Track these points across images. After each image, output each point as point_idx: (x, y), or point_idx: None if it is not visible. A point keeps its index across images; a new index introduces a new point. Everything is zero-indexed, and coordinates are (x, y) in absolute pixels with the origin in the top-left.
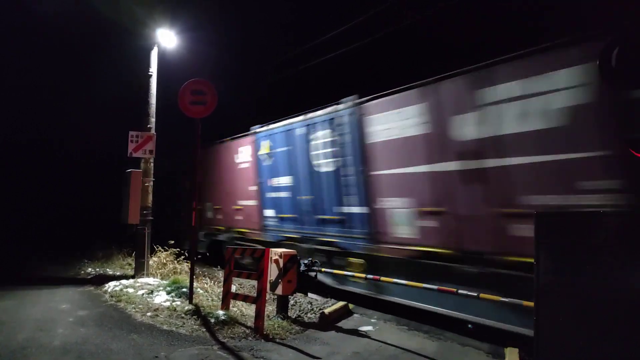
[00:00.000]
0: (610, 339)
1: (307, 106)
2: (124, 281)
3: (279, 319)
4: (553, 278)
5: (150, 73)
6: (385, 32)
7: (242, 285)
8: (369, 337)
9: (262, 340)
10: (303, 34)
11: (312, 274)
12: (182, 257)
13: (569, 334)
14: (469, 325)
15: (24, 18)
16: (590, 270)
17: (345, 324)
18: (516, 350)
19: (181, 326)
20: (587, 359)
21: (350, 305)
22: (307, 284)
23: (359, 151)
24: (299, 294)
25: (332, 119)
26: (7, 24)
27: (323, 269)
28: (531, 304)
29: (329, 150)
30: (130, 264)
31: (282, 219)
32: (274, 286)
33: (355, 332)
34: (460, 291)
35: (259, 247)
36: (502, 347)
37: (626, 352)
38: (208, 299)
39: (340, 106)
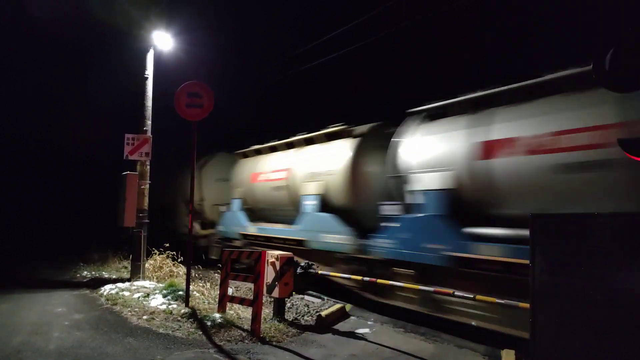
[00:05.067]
0: (605, 340)
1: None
2: (119, 284)
3: (275, 321)
4: (549, 279)
5: (146, 75)
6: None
7: (239, 288)
8: (365, 340)
9: (259, 343)
10: (301, 35)
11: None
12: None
13: (565, 335)
14: (472, 323)
15: (20, 21)
16: (586, 272)
17: (342, 326)
18: (512, 352)
19: (177, 329)
20: None
21: (347, 308)
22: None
23: None
24: (296, 297)
25: None
26: (3, 27)
27: (320, 272)
28: (527, 305)
29: None
30: (126, 267)
31: None
32: (270, 289)
33: (352, 335)
34: (456, 293)
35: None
36: (498, 349)
37: (622, 354)
38: (204, 302)
39: None
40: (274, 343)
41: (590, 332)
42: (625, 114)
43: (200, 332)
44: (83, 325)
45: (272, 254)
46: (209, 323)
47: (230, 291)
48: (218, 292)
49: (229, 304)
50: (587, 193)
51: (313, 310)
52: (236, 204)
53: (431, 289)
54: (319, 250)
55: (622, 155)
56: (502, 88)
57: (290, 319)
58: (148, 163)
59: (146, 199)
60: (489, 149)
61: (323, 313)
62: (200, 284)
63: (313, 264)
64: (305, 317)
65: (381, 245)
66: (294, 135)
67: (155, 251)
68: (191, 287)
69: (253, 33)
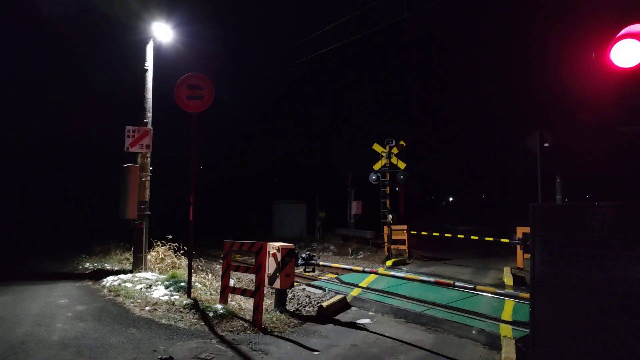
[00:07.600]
0: (605, 330)
1: None
2: (122, 276)
3: (277, 312)
4: (549, 270)
5: (146, 67)
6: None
7: (240, 279)
8: (366, 330)
9: (261, 334)
10: (302, 26)
11: (310, 267)
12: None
13: (565, 325)
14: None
15: (20, 13)
16: (586, 262)
17: (343, 317)
18: (512, 341)
19: (180, 320)
20: (583, 350)
21: (348, 298)
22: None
23: None
24: (297, 288)
25: None
26: (2, 18)
27: (321, 262)
28: (527, 295)
29: None
30: (128, 259)
31: None
32: (272, 280)
33: (353, 325)
34: (457, 284)
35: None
36: (499, 338)
37: (622, 343)
38: (206, 293)
39: None
40: (275, 333)
41: (590, 322)
42: None
43: (203, 323)
44: (86, 317)
45: (273, 246)
46: (211, 314)
47: (232, 282)
48: (220, 283)
49: (230, 295)
50: None
51: (314, 301)
52: None
53: (432, 279)
54: None
55: None
56: None
57: (292, 310)
58: (149, 155)
59: (147, 191)
60: None
61: (324, 304)
62: (202, 275)
63: (314, 255)
64: (307, 308)
65: None
66: None
67: (158, 243)
68: (193, 279)
69: (255, 23)
